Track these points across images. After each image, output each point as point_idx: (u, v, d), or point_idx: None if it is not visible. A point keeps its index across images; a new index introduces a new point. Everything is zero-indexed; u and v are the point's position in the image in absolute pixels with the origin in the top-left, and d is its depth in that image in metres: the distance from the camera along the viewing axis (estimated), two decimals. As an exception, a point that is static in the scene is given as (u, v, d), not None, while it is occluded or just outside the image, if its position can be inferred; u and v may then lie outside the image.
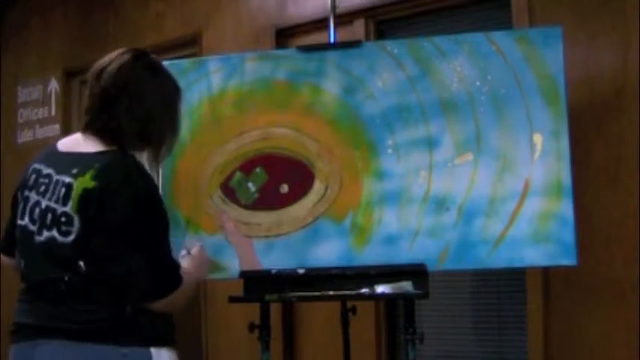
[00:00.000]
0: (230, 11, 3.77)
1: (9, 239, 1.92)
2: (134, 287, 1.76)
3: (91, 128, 1.86)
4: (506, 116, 2.33)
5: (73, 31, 4.47)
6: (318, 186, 2.43)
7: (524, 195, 2.28)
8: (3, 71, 4.81)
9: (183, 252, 2.16)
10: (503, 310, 3.01)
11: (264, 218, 2.45)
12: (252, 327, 2.41)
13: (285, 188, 2.45)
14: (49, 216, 1.77)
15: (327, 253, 2.38)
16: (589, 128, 2.71)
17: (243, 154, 2.49)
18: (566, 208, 2.25)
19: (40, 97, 4.60)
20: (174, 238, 2.44)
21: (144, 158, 1.93)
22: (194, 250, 2.18)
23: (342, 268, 2.35)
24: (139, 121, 1.86)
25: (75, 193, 1.75)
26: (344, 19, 3.23)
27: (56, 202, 1.77)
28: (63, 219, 1.75)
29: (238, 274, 2.41)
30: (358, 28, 3.33)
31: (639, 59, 2.63)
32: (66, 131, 4.41)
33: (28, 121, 4.63)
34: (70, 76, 4.50)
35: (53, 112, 4.53)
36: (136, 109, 1.85)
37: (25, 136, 4.64)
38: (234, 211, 2.46)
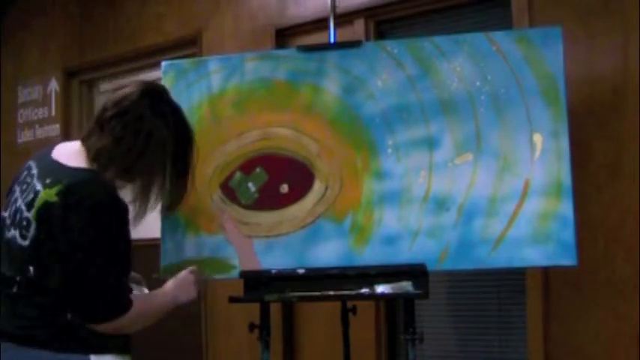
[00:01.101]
0: (230, 11, 3.77)
1: None
2: (72, 308, 1.79)
3: (86, 142, 1.90)
4: (506, 116, 2.33)
5: (73, 31, 4.47)
6: (318, 186, 2.43)
7: (524, 195, 2.28)
8: (3, 71, 4.81)
9: (184, 272, 2.13)
10: (503, 310, 3.02)
11: (264, 218, 2.45)
12: (252, 327, 2.41)
13: (285, 188, 2.45)
14: (17, 216, 1.84)
15: (327, 253, 2.38)
16: (589, 128, 2.71)
17: (243, 154, 2.49)
18: (566, 208, 2.25)
19: (40, 97, 4.60)
20: (174, 238, 2.47)
21: (124, 194, 1.92)
22: (181, 273, 2.14)
23: (342, 268, 2.35)
24: (128, 153, 1.87)
25: (37, 203, 1.80)
26: (344, 19, 3.23)
27: (25, 205, 1.83)
28: (24, 223, 1.81)
29: (238, 274, 2.41)
30: (358, 28, 3.33)
31: (639, 59, 2.63)
32: (66, 131, 4.42)
33: (28, 121, 4.63)
34: (70, 76, 4.50)
35: (53, 112, 4.53)
36: (127, 143, 1.87)
37: (25, 136, 4.65)
38: (234, 211, 2.46)
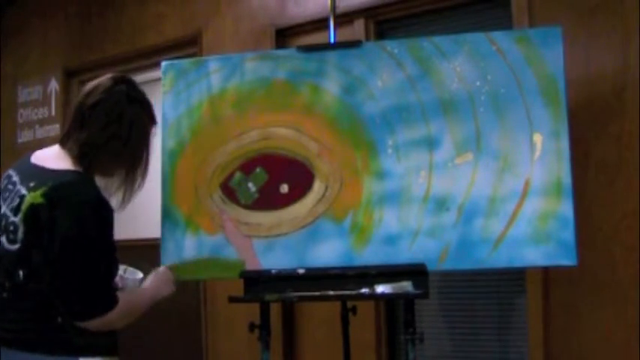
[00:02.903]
0: (230, 11, 3.77)
1: None
2: (62, 305, 1.80)
3: (67, 142, 1.92)
4: (506, 116, 2.33)
5: (73, 31, 4.47)
6: (318, 186, 2.43)
7: (524, 195, 2.28)
8: (3, 71, 4.81)
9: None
10: (503, 310, 3.01)
11: (264, 218, 2.45)
12: (252, 327, 2.41)
13: (285, 188, 2.45)
14: (3, 222, 1.85)
15: (327, 253, 2.38)
16: (589, 128, 2.71)
17: (243, 154, 2.49)
18: (566, 208, 2.25)
19: (40, 97, 4.60)
20: (174, 238, 2.47)
21: (111, 184, 1.96)
22: (160, 269, 2.22)
23: (342, 268, 2.35)
24: (113, 140, 1.90)
25: (24, 206, 1.81)
26: (344, 19, 3.23)
27: (11, 210, 1.84)
28: (11, 227, 1.83)
29: (238, 274, 2.41)
30: (358, 28, 3.33)
31: (639, 59, 2.63)
32: (66, 131, 4.41)
33: (28, 121, 4.63)
34: (70, 76, 4.51)
35: (53, 112, 4.53)
36: (112, 128, 1.90)
37: (25, 136, 4.65)
38: (234, 211, 2.46)
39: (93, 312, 1.82)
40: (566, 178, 2.27)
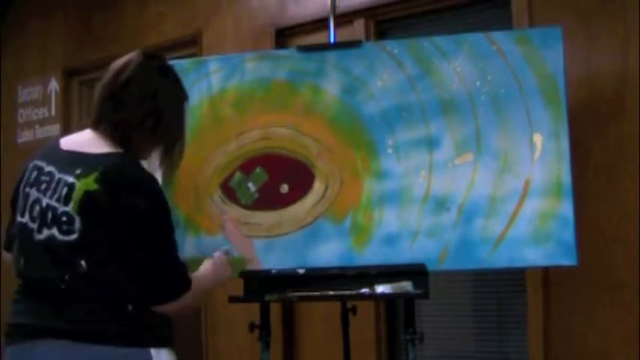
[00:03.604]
0: (230, 11, 3.77)
1: (10, 237, 1.91)
2: (141, 289, 1.75)
3: (100, 124, 1.85)
4: (506, 116, 2.33)
5: (73, 31, 4.47)
6: (318, 186, 2.43)
7: (524, 195, 2.28)
8: (3, 71, 4.81)
9: (217, 253, 2.15)
10: (503, 310, 3.01)
11: (264, 218, 2.45)
12: (252, 327, 2.41)
13: (285, 188, 2.45)
14: (50, 214, 1.76)
15: (327, 253, 2.38)
16: (589, 128, 2.71)
17: (243, 154, 2.49)
18: (566, 208, 2.25)
19: (40, 97, 4.60)
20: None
21: (152, 163, 1.93)
22: (216, 254, 2.16)
23: (342, 268, 2.35)
24: (150, 116, 1.85)
25: (76, 195, 1.73)
26: (344, 19, 3.23)
27: (57, 200, 1.76)
28: (64, 218, 1.74)
29: (238, 274, 2.41)
30: (358, 28, 3.33)
31: (639, 59, 2.63)
32: (66, 131, 4.40)
33: (28, 121, 4.63)
34: (70, 76, 4.50)
35: (53, 112, 4.53)
36: (148, 104, 1.85)
37: (25, 136, 4.65)
38: (234, 211, 2.46)
39: (173, 293, 1.79)
40: (566, 178, 2.27)
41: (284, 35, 3.59)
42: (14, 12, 4.80)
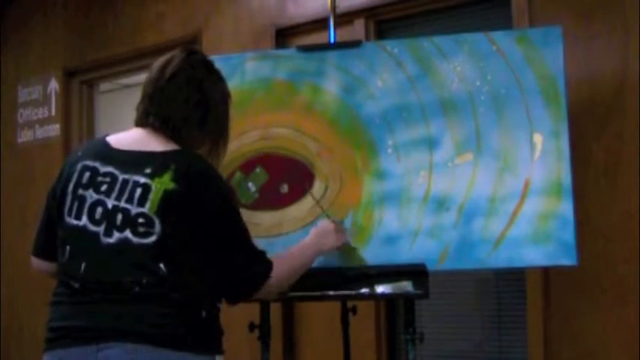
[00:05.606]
0: (230, 11, 3.77)
1: (43, 242, 1.87)
2: (225, 288, 1.78)
3: (148, 121, 1.83)
4: (506, 116, 2.33)
5: (73, 32, 4.47)
6: (318, 186, 2.43)
7: (524, 195, 2.28)
8: (3, 71, 4.81)
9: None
10: (503, 310, 3.01)
11: (264, 218, 2.45)
12: (252, 327, 2.41)
13: (285, 188, 2.45)
14: (119, 216, 1.70)
15: (327, 252, 2.37)
16: (589, 128, 2.71)
17: (243, 154, 2.49)
18: (566, 208, 2.25)
19: (40, 97, 4.60)
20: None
21: None
22: (322, 222, 2.22)
23: (342, 268, 2.35)
24: (198, 109, 1.85)
25: (154, 195, 1.69)
26: (344, 19, 3.23)
27: (128, 202, 1.70)
28: (140, 220, 1.69)
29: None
30: (358, 28, 3.33)
31: (639, 59, 2.63)
32: (66, 131, 4.41)
33: (28, 121, 4.63)
34: (70, 76, 4.50)
35: (53, 112, 4.53)
36: (195, 96, 1.85)
37: (25, 136, 4.64)
38: (234, 211, 2.46)
39: (257, 284, 1.81)
40: (566, 178, 2.27)
41: (284, 35, 3.59)
42: (14, 12, 4.80)
